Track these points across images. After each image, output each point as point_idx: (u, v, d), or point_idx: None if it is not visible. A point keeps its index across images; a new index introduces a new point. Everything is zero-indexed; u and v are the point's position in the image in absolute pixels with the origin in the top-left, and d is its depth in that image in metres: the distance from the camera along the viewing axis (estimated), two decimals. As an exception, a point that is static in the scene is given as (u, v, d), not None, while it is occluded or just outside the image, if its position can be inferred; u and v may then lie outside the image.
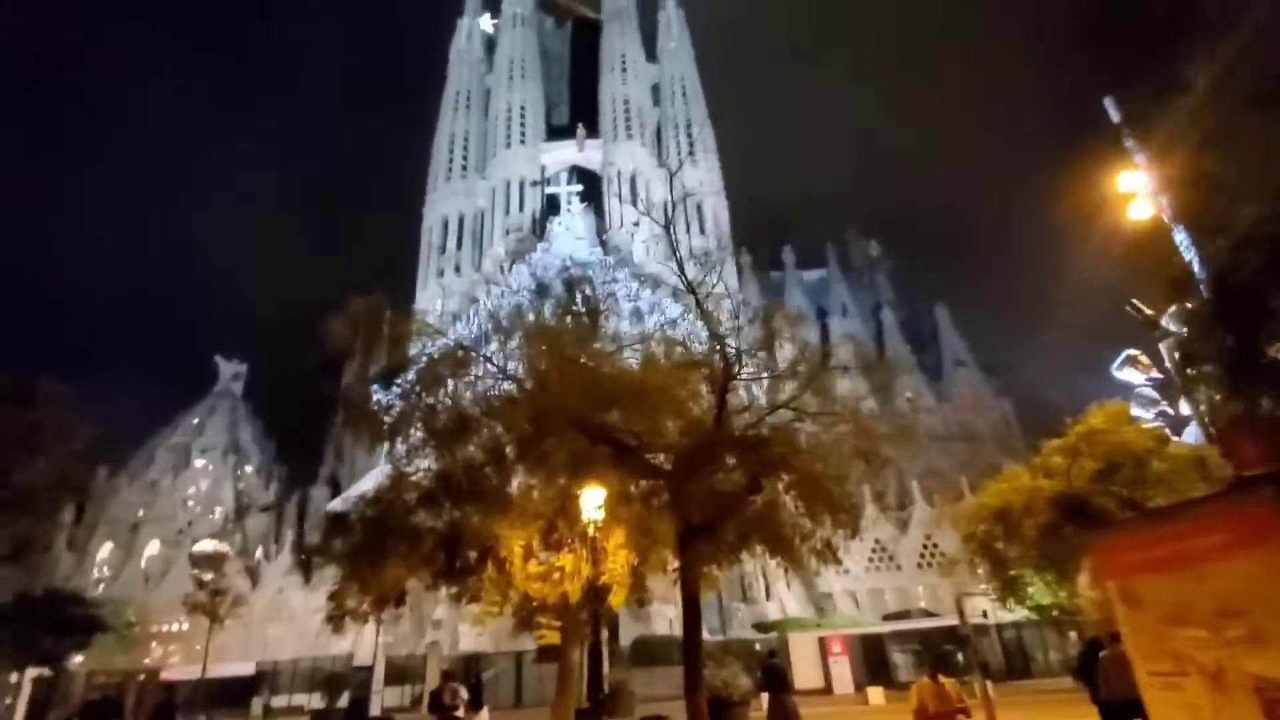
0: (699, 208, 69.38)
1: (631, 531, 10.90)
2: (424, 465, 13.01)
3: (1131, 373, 12.79)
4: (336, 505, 54.87)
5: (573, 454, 10.41)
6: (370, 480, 23.67)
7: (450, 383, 13.43)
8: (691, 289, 12.34)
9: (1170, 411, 13.01)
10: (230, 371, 68.87)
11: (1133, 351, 13.21)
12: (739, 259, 70.43)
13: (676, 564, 11.67)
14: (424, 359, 14.14)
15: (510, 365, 13.52)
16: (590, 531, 9.60)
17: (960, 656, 28.74)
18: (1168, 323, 12.21)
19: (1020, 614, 31.80)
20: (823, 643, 28.02)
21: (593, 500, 9.28)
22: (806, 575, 52.86)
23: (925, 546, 52.74)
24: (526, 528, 11.67)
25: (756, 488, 11.39)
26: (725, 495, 11.12)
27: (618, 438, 11.14)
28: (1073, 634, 30.68)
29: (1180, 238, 11.36)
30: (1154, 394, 12.89)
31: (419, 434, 13.18)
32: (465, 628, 44.54)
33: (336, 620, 12.81)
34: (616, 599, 11.95)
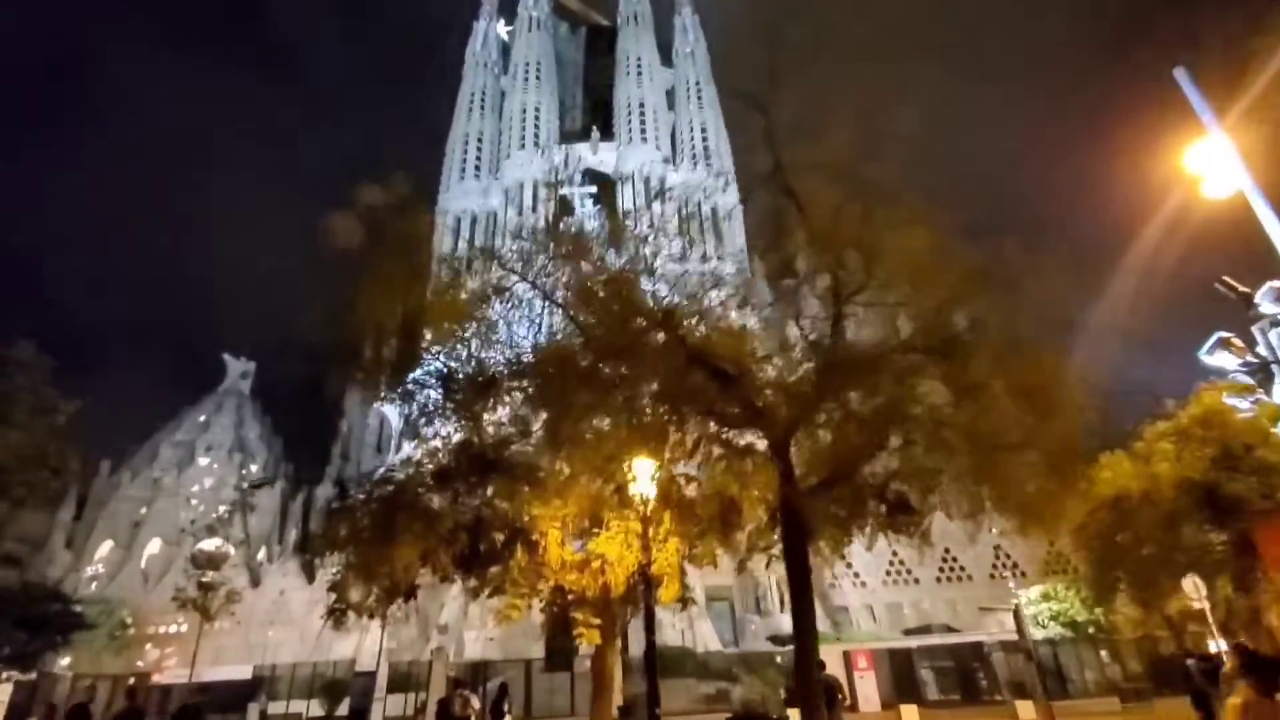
0: (714, 211, 68.51)
1: (684, 516, 9.66)
2: (444, 432, 11.90)
3: (1225, 357, 11.38)
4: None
5: (667, 376, 8.69)
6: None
7: (476, 323, 12.24)
8: None
9: (1266, 397, 11.61)
10: (238, 369, 68.12)
11: (1225, 334, 11.84)
12: (752, 264, 69.36)
13: (720, 553, 10.49)
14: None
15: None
16: (643, 509, 8.07)
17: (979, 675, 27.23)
18: (1263, 301, 10.95)
19: (1053, 630, 30.34)
20: (848, 656, 26.58)
21: (645, 471, 7.86)
22: (821, 588, 51.45)
23: (944, 560, 51.01)
24: (565, 506, 10.42)
25: (881, 436, 9.29)
26: (847, 444, 9.18)
27: (717, 362, 9.09)
28: (1104, 652, 29.15)
29: (1266, 211, 10.27)
30: (1249, 378, 11.49)
31: (437, 395, 12.04)
32: (471, 634, 43.28)
33: (338, 615, 11.57)
34: (668, 592, 10.71)
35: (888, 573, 50.54)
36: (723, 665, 33.94)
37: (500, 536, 11.29)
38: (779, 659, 29.79)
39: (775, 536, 10.13)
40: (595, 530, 11.02)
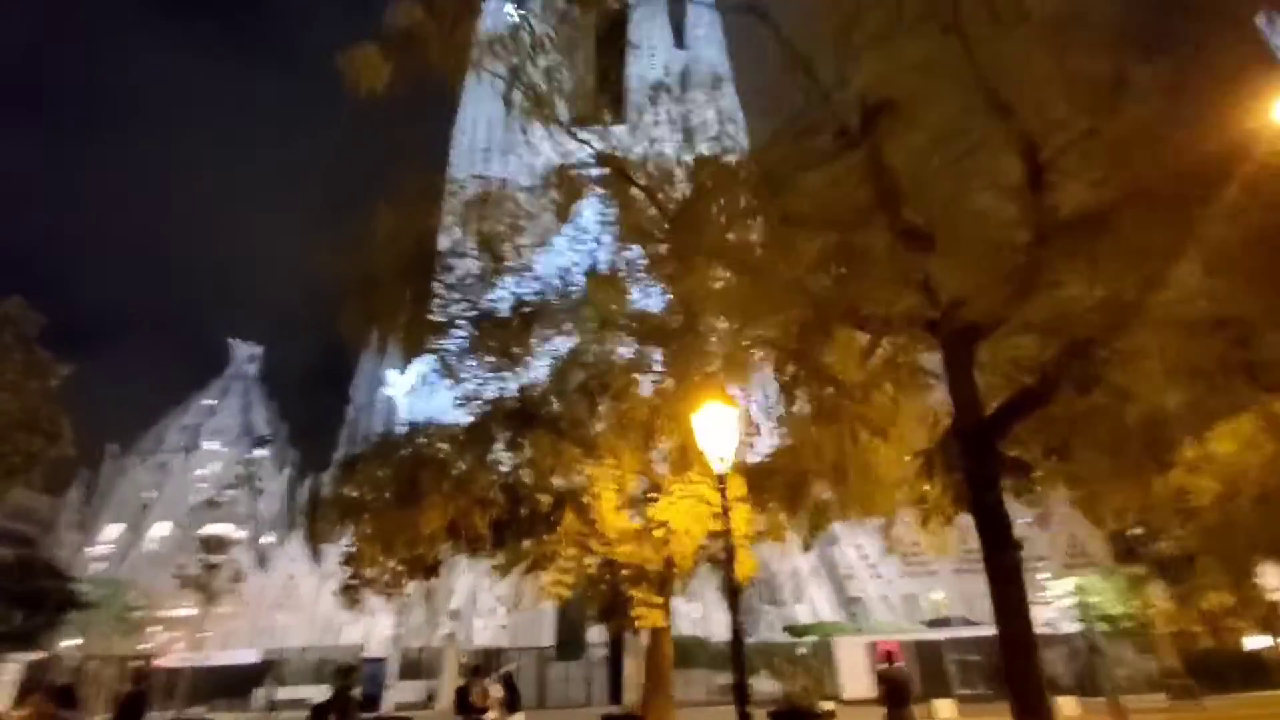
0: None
1: (752, 484, 8.49)
2: (471, 386, 10.89)
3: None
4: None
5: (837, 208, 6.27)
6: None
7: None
8: None
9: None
10: (245, 354, 67.51)
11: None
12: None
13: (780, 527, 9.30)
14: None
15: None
16: (723, 464, 6.17)
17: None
18: None
19: (1090, 622, 29.28)
20: (874, 649, 25.57)
21: (722, 419, 6.11)
22: (837, 578, 50.51)
23: (963, 551, 49.84)
24: (618, 466, 9.32)
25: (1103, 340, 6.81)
26: (1053, 352, 7.00)
27: (909, 219, 6.51)
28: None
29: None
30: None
31: (466, 332, 10.98)
32: (480, 622, 42.62)
33: (351, 592, 10.51)
34: (744, 568, 9.59)
35: (906, 563, 49.46)
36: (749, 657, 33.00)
37: (545, 499, 10.14)
38: (800, 650, 28.86)
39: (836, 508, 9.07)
40: (652, 495, 9.89)
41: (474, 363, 11.46)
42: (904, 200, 6.61)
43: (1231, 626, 29.44)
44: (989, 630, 29.89)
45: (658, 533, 9.48)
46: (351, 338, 11.53)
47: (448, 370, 11.58)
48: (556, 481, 9.92)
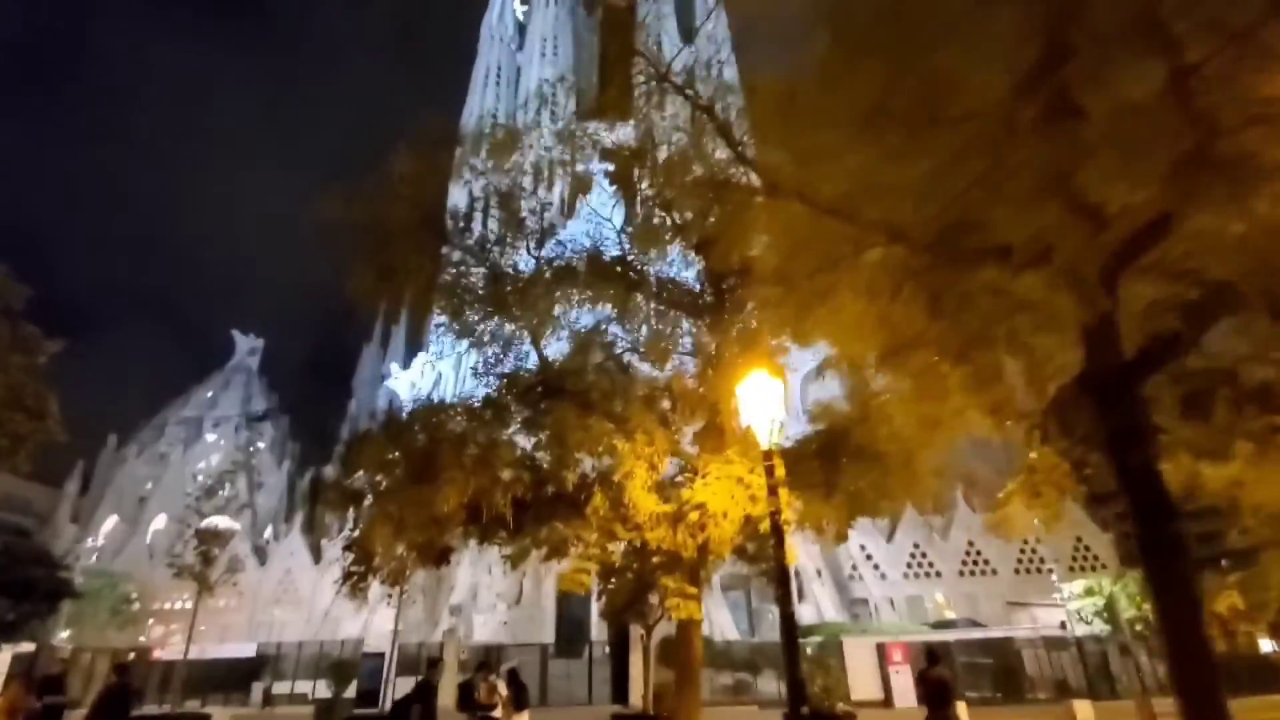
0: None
1: (790, 467, 7.80)
2: (494, 350, 10.35)
3: None
4: (355, 481, 52.93)
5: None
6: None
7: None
8: None
9: None
10: (246, 345, 67.12)
11: None
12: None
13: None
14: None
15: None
16: (768, 443, 5.54)
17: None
18: None
19: (1098, 626, 28.82)
20: (882, 650, 25.12)
21: (769, 390, 5.53)
22: (839, 578, 49.98)
23: (968, 553, 49.46)
24: (650, 443, 8.63)
25: None
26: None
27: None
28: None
29: None
30: None
31: (483, 295, 10.45)
32: (480, 618, 42.16)
33: (354, 582, 9.84)
34: (791, 555, 8.93)
35: (909, 565, 49.05)
36: (742, 655, 32.56)
37: (571, 477, 9.24)
38: (809, 650, 28.37)
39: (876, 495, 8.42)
40: (684, 476, 9.28)
41: (492, 330, 10.94)
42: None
43: (1245, 630, 29.02)
44: (997, 632, 29.52)
45: (693, 515, 8.75)
46: (361, 298, 10.85)
47: (466, 331, 10.92)
48: (584, 459, 9.23)
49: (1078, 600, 29.67)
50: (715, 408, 9.39)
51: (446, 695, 25.18)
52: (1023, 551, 48.79)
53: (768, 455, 5.20)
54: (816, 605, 44.63)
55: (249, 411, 59.60)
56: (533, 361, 10.65)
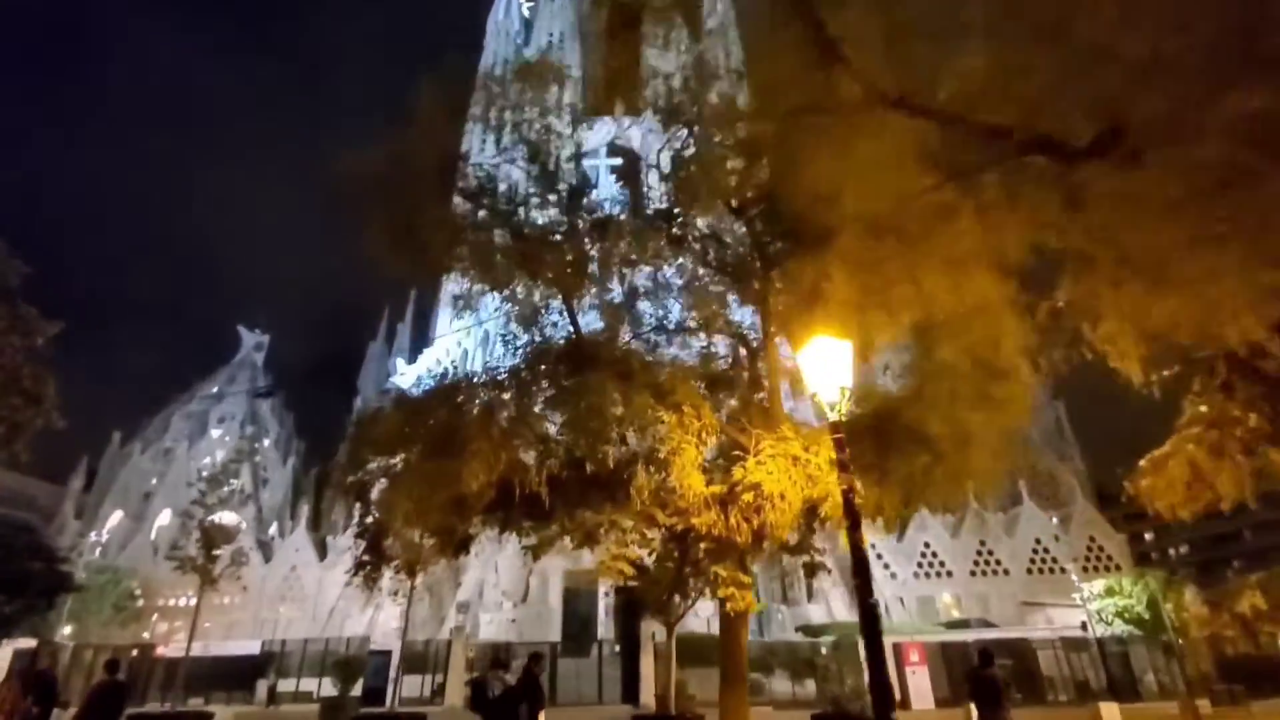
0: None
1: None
2: (525, 311, 9.73)
3: None
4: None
5: None
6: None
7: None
8: None
9: None
10: (252, 341, 66.79)
11: None
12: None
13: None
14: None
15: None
16: (837, 414, 4.74)
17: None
18: None
19: (1118, 627, 28.20)
20: (898, 649, 24.55)
21: (834, 355, 4.76)
22: (847, 577, 49.38)
23: (979, 553, 48.84)
24: (696, 418, 7.83)
25: None
26: None
27: None
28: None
29: None
30: None
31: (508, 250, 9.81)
32: (487, 616, 41.73)
33: (369, 572, 9.18)
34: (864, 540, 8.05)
35: (919, 564, 48.42)
36: (754, 655, 31.98)
37: (610, 453, 8.24)
38: (823, 649, 27.84)
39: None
40: (733, 456, 8.54)
41: (519, 292, 10.31)
42: None
43: (1268, 630, 28.44)
44: (1016, 632, 28.85)
45: (747, 497, 7.86)
46: (380, 258, 10.17)
47: (496, 283, 10.15)
48: (622, 438, 8.49)
49: (1099, 601, 29.04)
50: (760, 381, 8.72)
51: (453, 693, 24.78)
52: (1035, 552, 48.17)
53: (836, 427, 4.59)
54: (826, 604, 44.05)
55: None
56: (564, 331, 9.98)
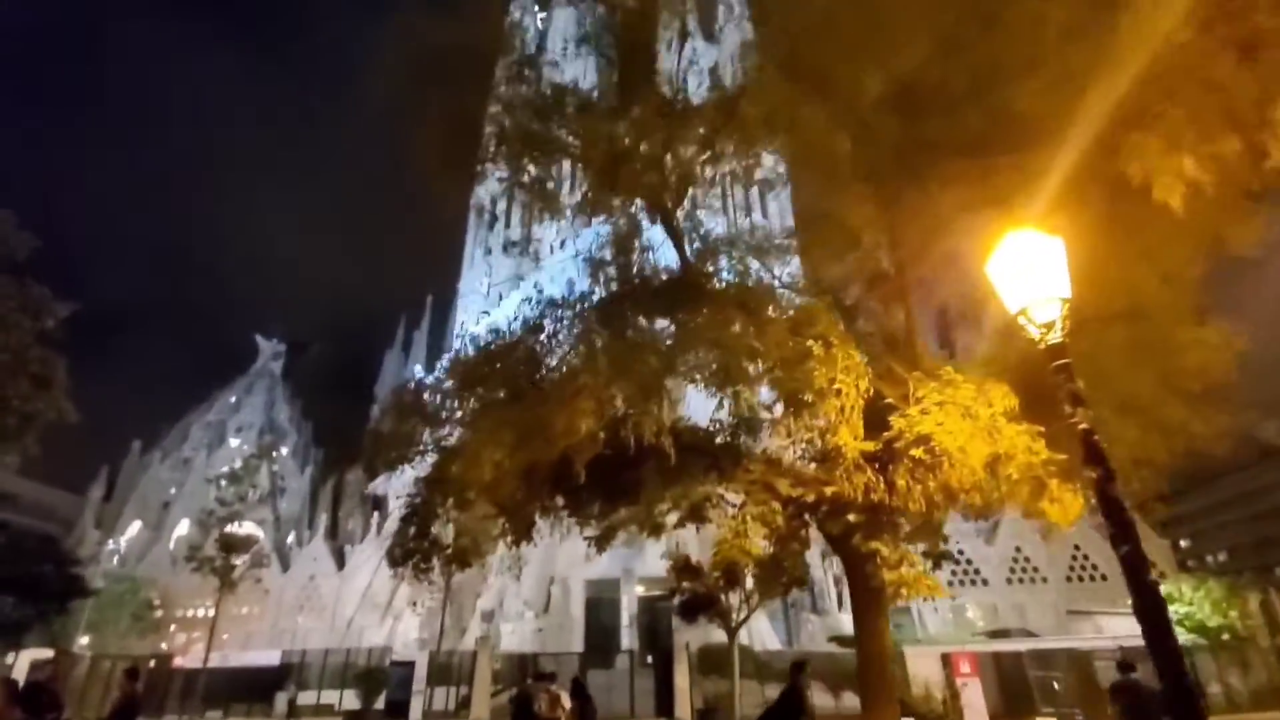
0: (760, 192, 65.55)
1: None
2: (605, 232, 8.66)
3: None
4: (378, 486, 51.63)
5: None
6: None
7: None
8: None
9: None
10: (270, 351, 66.66)
11: None
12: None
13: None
14: None
15: None
16: (1052, 332, 3.49)
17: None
18: None
19: (1182, 636, 26.62)
20: (947, 659, 23.23)
21: (1045, 256, 3.60)
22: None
23: (1015, 560, 47.17)
24: (849, 355, 6.26)
25: None
26: None
27: None
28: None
29: None
30: None
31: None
32: (509, 626, 40.72)
33: (421, 556, 7.70)
34: (1066, 512, 6.10)
35: (953, 572, 46.80)
36: (784, 666, 30.67)
37: (748, 397, 6.96)
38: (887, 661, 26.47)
39: None
40: (880, 407, 6.77)
41: (602, 208, 9.27)
42: None
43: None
44: (1072, 642, 27.22)
45: (917, 452, 6.32)
46: (433, 167, 9.09)
47: (595, 206, 8.94)
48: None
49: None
50: (895, 319, 7.40)
51: (479, 706, 23.77)
52: (1074, 558, 46.38)
53: (1058, 351, 3.43)
54: (860, 613, 42.50)
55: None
56: (653, 261, 8.77)
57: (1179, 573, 43.90)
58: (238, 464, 57.45)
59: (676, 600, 16.70)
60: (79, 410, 12.35)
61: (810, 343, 6.33)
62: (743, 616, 17.56)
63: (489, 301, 63.81)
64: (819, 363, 6.41)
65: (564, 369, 6.78)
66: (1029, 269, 3.47)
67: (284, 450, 61.02)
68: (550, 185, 10.56)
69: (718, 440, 7.33)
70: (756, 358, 6.95)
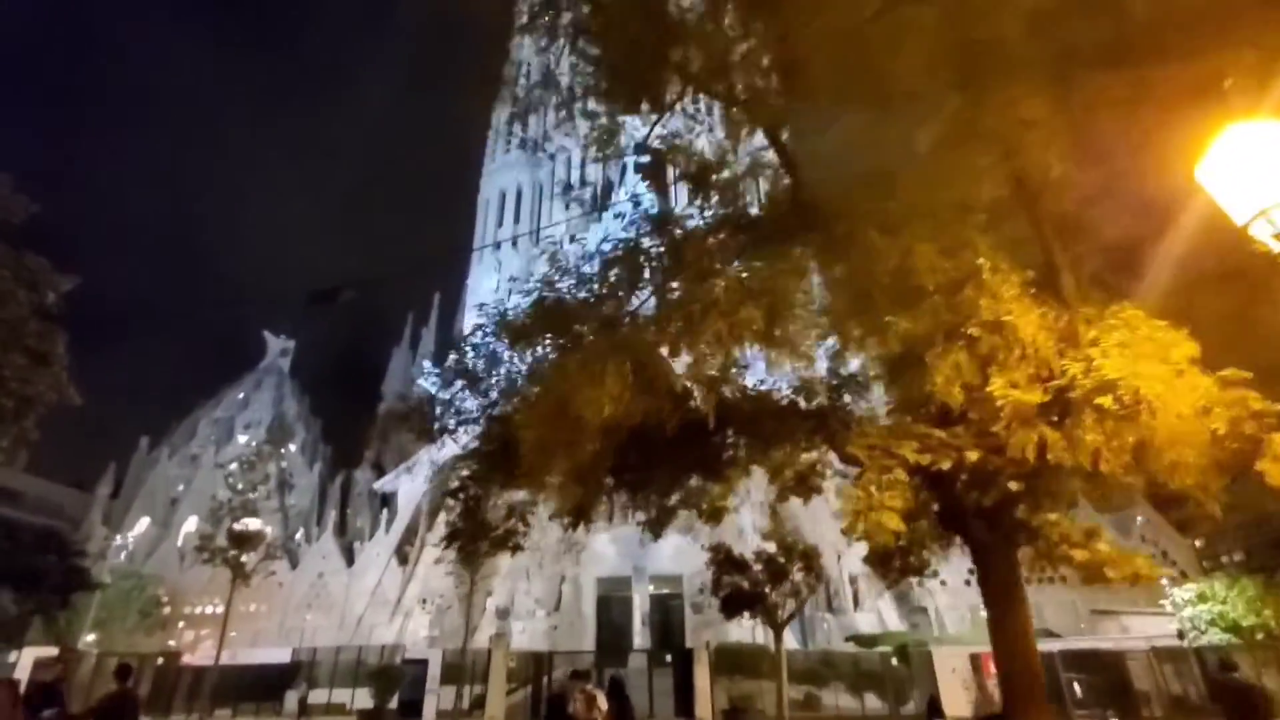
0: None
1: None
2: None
3: None
4: (386, 483, 51.08)
5: None
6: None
7: None
8: None
9: None
10: (278, 347, 66.33)
11: None
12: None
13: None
14: None
15: None
16: None
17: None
18: None
19: (1215, 635, 25.84)
20: (976, 660, 22.58)
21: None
22: (899, 587, 47.13)
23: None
24: (1009, 275, 5.13)
25: None
26: None
27: None
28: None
29: None
30: None
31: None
32: (520, 624, 40.17)
33: (469, 536, 6.91)
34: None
35: (971, 570, 45.97)
36: (805, 666, 30.08)
37: (905, 325, 5.50)
38: (893, 660, 25.90)
39: None
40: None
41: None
42: None
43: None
44: (1099, 641, 26.39)
45: (1103, 401, 5.10)
46: (469, 94, 8.10)
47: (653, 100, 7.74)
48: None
49: (1190, 607, 26.71)
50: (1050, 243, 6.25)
51: (494, 705, 23.20)
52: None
53: None
54: (878, 613, 41.97)
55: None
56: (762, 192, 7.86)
57: (1201, 573, 43.00)
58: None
59: (720, 596, 15.90)
60: (86, 407, 11.79)
61: (980, 260, 5.38)
62: (789, 612, 16.82)
63: (497, 297, 63.55)
64: (985, 290, 5.45)
65: (677, 295, 5.90)
66: (1266, 166, 2.76)
67: (292, 447, 60.60)
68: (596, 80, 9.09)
69: (814, 403, 6.52)
70: (908, 279, 5.76)
